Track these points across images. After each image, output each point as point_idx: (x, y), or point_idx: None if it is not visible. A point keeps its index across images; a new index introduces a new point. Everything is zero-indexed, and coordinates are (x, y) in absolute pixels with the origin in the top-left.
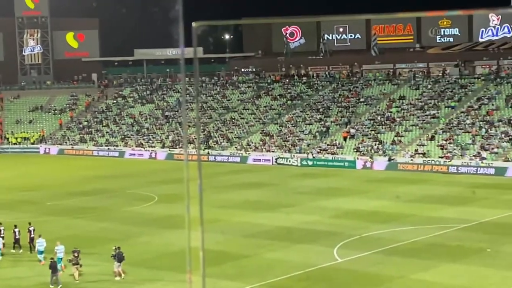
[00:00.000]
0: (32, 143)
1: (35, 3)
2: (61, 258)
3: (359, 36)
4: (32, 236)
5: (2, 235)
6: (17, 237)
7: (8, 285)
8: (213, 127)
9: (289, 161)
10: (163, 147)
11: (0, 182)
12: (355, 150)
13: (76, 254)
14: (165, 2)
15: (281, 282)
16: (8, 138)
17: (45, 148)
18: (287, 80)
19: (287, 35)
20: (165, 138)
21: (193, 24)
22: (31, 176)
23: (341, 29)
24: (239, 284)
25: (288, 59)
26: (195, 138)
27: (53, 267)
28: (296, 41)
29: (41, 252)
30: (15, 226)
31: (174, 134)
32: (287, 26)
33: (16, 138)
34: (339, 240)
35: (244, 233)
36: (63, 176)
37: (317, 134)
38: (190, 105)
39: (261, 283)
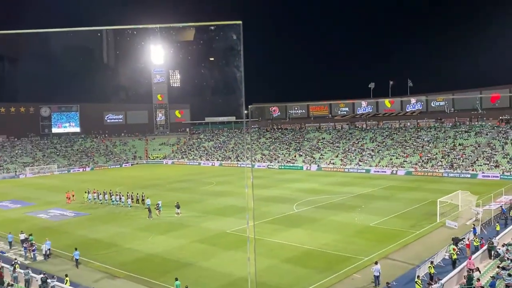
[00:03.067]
0: (160, 159)
1: (162, 97)
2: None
3: (304, 111)
4: (143, 199)
5: (131, 197)
6: (138, 198)
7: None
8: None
9: None
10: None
11: (143, 177)
12: None
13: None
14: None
15: None
16: (149, 157)
17: (165, 161)
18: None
19: (272, 110)
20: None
21: (250, 106)
22: (157, 173)
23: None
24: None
25: (269, 121)
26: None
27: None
28: (276, 113)
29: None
30: (132, 194)
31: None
32: (272, 106)
33: (152, 156)
34: None
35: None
36: (172, 174)
37: None
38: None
39: None
